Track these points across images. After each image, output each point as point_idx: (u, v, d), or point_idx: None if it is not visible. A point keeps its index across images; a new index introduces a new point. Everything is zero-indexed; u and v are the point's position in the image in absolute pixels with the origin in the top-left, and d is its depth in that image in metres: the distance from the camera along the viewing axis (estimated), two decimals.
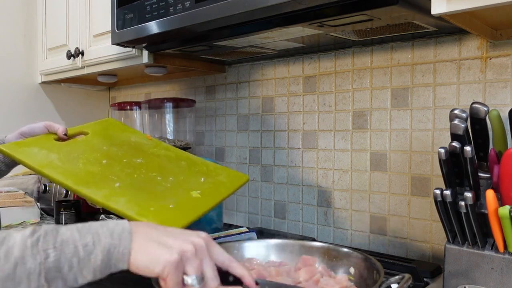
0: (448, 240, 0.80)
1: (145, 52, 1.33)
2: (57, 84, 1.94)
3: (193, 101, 1.63)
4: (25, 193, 1.56)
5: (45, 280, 0.54)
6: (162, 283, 0.58)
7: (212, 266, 0.60)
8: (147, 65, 1.41)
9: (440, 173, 0.79)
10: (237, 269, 0.62)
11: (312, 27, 0.98)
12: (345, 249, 0.88)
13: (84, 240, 0.57)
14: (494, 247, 0.75)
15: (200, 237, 0.61)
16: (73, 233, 0.57)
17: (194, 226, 1.17)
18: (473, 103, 0.77)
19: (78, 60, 1.59)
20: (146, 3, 1.10)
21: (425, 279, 0.93)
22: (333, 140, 1.27)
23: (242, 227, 1.22)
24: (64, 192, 1.59)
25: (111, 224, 0.59)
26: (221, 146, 1.60)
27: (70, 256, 0.56)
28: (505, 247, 0.73)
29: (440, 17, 0.75)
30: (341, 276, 0.82)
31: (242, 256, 0.91)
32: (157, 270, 0.58)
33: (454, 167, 0.78)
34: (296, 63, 1.36)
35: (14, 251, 0.54)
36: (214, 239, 1.05)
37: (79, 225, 0.59)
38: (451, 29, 1.00)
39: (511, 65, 0.96)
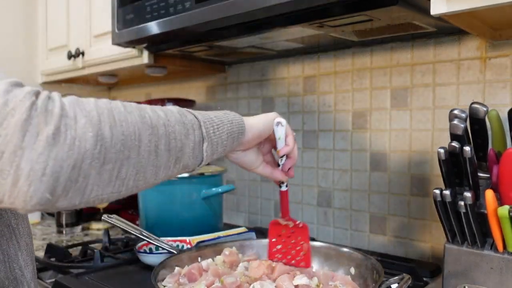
0: (448, 240, 0.80)
1: (146, 53, 1.33)
2: (58, 84, 1.94)
3: (193, 102, 1.63)
4: None
5: (206, 133, 0.60)
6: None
7: None
8: (148, 66, 1.42)
9: (440, 173, 0.79)
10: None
11: (312, 27, 0.99)
12: (345, 249, 0.88)
13: (210, 114, 0.64)
14: (493, 247, 0.75)
15: None
16: (197, 111, 0.63)
17: (194, 226, 1.18)
18: (472, 103, 0.77)
19: (79, 61, 1.60)
20: (146, 4, 1.11)
21: (424, 279, 0.93)
22: (333, 140, 1.27)
23: (241, 226, 1.22)
24: None
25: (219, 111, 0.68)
26: None
27: (209, 122, 0.62)
28: (504, 247, 0.73)
29: (439, 18, 0.75)
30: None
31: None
32: (274, 118, 0.74)
33: (453, 167, 0.78)
34: (296, 63, 1.36)
35: (171, 108, 0.58)
36: (214, 239, 1.05)
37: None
38: (450, 29, 1.00)
39: (510, 65, 0.96)
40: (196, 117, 0.60)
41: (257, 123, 0.72)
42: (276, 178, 0.79)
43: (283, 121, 0.74)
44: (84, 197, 0.45)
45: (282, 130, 0.74)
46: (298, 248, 0.79)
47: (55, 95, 0.45)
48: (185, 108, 0.61)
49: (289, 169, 0.79)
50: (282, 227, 0.81)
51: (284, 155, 0.77)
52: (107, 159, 0.45)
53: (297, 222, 0.80)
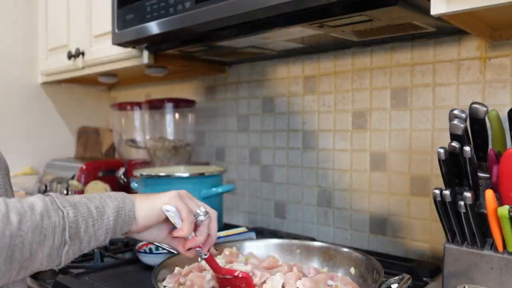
0: (448, 240, 0.80)
1: (146, 53, 1.33)
2: (58, 85, 1.95)
3: (193, 102, 1.63)
4: (26, 193, 1.57)
5: (70, 237, 0.56)
6: (179, 222, 0.68)
7: (203, 203, 0.72)
8: (148, 66, 1.42)
9: (440, 173, 0.79)
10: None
11: (312, 27, 0.99)
12: (345, 249, 0.88)
13: (94, 203, 0.61)
14: (493, 246, 0.75)
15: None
16: (81, 198, 0.60)
17: None
18: (472, 103, 0.77)
19: (79, 61, 1.60)
20: (146, 4, 1.11)
21: (424, 279, 0.93)
22: (333, 140, 1.28)
23: (241, 226, 1.22)
24: (65, 192, 1.60)
25: (111, 193, 0.65)
26: (221, 146, 1.60)
27: (86, 216, 0.58)
28: (504, 246, 0.73)
29: (439, 18, 0.75)
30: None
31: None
32: (163, 205, 0.67)
33: (453, 167, 0.78)
34: (296, 64, 1.36)
35: (37, 206, 0.55)
36: None
37: (81, 195, 0.62)
38: (450, 29, 1.00)
39: (510, 65, 0.96)
40: (63, 217, 0.55)
41: (143, 214, 0.66)
42: (181, 253, 0.73)
43: (171, 208, 0.67)
44: None
45: (172, 216, 0.67)
46: None
47: None
48: (62, 200, 0.57)
49: (200, 246, 0.72)
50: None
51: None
52: None
53: (235, 274, 0.74)
